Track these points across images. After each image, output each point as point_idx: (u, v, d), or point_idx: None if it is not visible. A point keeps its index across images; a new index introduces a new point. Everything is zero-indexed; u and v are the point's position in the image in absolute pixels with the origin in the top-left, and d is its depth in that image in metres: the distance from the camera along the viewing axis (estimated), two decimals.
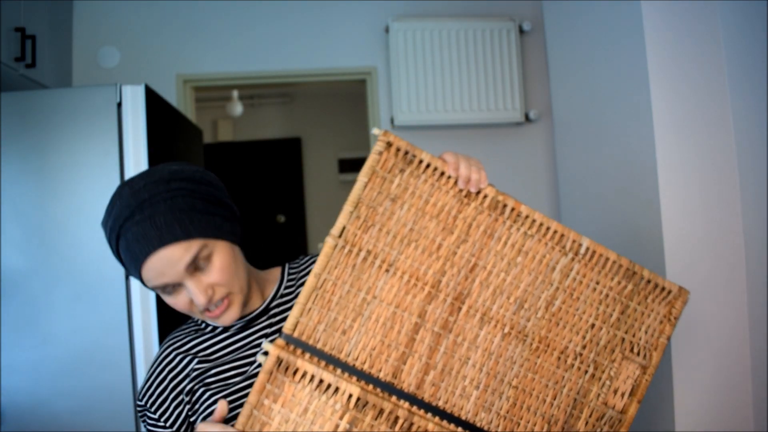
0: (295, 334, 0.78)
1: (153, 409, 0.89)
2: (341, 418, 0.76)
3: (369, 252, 0.81)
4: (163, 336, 1.69)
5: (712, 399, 1.64)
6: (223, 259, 0.82)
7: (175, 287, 0.82)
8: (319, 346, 0.79)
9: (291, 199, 4.63)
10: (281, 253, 4.13)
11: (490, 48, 2.53)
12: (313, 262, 0.99)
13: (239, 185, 4.31)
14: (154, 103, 1.78)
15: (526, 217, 0.85)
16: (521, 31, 2.60)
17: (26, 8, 1.97)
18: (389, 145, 0.81)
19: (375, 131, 0.81)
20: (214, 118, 4.65)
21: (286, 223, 4.62)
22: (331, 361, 0.79)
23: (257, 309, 0.93)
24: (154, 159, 1.73)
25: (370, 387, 0.79)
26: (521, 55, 2.60)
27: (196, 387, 0.88)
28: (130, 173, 1.67)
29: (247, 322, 0.93)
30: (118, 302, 1.65)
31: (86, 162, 1.67)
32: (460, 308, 0.83)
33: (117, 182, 1.66)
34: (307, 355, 0.78)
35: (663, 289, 0.89)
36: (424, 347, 0.81)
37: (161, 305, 1.70)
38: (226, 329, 0.93)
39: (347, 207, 0.80)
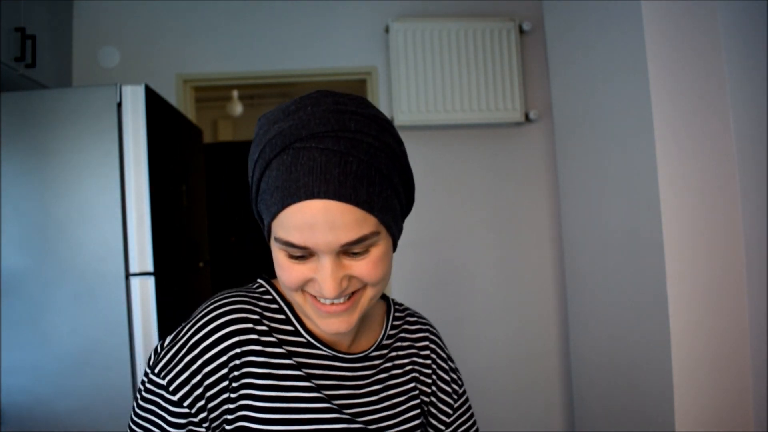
0: None
1: (179, 392, 0.64)
2: None
3: None
4: (163, 336, 1.68)
5: (712, 399, 1.64)
6: (381, 252, 0.62)
7: (306, 255, 0.60)
8: None
9: None
10: None
11: (490, 48, 2.53)
12: (420, 324, 0.81)
13: (239, 185, 4.31)
14: (154, 103, 1.78)
15: None
16: (521, 31, 2.60)
17: (26, 8, 1.97)
18: None
19: None
20: (214, 118, 4.65)
21: None
22: None
23: (358, 353, 0.73)
24: (154, 159, 1.73)
25: None
26: (521, 55, 2.60)
27: (241, 390, 0.66)
28: (130, 173, 1.67)
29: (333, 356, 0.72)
30: (118, 302, 1.65)
31: (86, 162, 1.67)
32: None
33: (117, 182, 1.66)
34: None
35: None
36: None
37: (161, 305, 1.70)
38: (309, 341, 0.70)
39: None
